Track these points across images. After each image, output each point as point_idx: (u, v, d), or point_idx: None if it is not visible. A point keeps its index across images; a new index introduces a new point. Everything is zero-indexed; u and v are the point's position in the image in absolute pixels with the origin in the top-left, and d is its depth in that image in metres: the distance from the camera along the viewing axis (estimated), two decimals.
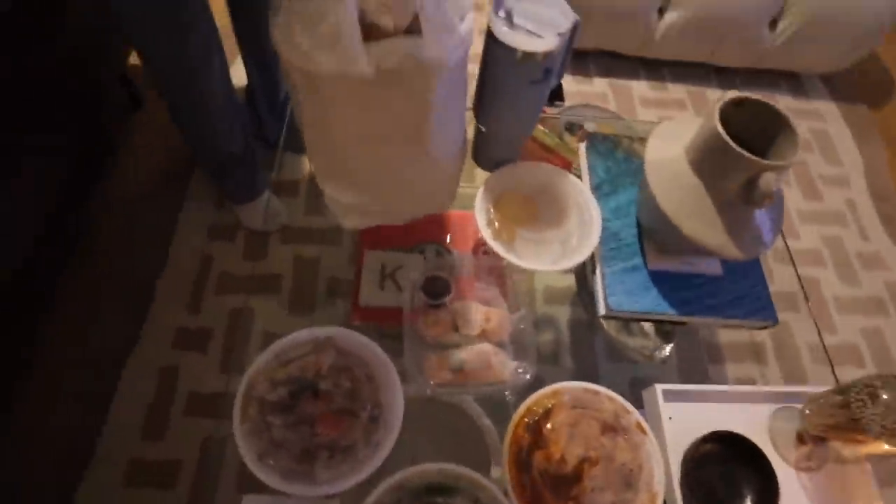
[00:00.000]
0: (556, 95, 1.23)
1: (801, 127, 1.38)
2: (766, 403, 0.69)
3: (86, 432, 0.86)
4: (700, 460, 0.63)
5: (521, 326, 0.71)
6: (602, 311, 0.74)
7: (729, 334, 1.07)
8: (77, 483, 0.80)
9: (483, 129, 0.75)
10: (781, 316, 0.74)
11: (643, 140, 0.82)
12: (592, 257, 0.79)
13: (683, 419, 0.66)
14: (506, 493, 0.59)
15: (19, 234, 0.79)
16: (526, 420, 0.63)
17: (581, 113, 1.37)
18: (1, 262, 0.76)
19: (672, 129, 0.72)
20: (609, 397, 0.65)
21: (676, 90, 1.67)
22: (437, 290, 0.70)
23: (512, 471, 0.60)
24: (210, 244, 1.10)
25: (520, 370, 0.67)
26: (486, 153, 0.80)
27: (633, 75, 1.69)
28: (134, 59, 1.07)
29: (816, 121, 1.50)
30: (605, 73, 1.68)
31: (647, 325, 0.91)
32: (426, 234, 0.88)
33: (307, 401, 0.61)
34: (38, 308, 0.94)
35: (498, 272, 0.76)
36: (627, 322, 0.90)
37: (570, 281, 0.94)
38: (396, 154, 0.62)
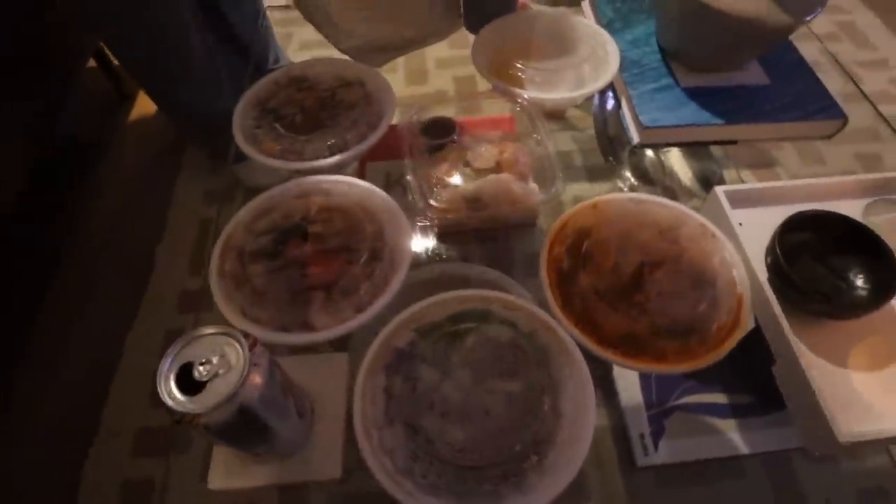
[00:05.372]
0: None
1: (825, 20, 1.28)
2: (855, 199, 0.56)
3: (92, 405, 0.80)
4: (788, 252, 0.49)
5: (544, 161, 0.60)
6: (636, 137, 0.63)
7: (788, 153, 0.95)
8: (83, 459, 0.74)
9: None
10: None
11: None
12: (614, 91, 0.69)
13: (757, 225, 0.53)
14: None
15: None
16: (562, 237, 0.51)
17: None
18: None
19: None
20: (661, 203, 0.53)
21: None
22: (440, 130, 0.61)
23: (555, 292, 0.48)
24: (208, 209, 1.05)
25: (552, 189, 0.55)
26: (476, 8, 0.72)
27: None
28: None
29: (840, 14, 1.39)
30: None
31: (684, 169, 0.79)
32: None
33: (294, 245, 0.51)
34: (34, 294, 0.91)
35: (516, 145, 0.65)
36: (660, 164, 0.78)
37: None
38: None
